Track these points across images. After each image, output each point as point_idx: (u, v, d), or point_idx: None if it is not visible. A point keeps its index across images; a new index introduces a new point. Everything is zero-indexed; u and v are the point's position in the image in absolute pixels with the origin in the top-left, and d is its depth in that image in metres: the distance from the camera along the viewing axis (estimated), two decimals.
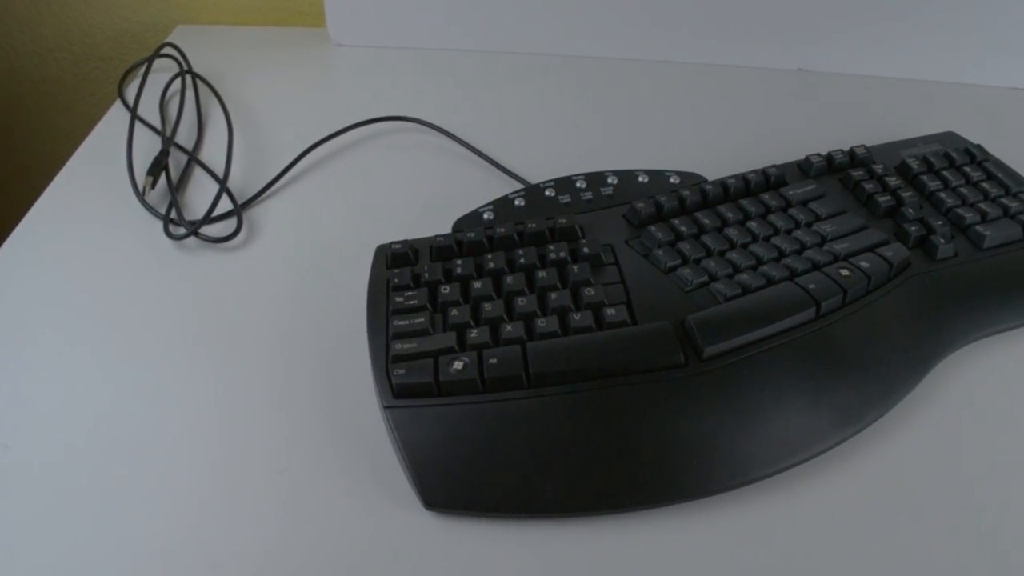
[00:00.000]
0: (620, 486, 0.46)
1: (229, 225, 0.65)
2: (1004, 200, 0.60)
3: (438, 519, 0.46)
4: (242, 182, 0.70)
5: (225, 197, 0.68)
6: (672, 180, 0.63)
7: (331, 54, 0.88)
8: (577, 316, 0.50)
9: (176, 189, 0.68)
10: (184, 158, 0.73)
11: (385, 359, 0.50)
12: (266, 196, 0.69)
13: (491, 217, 0.60)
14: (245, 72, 0.85)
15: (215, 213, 0.66)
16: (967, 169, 0.63)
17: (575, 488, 0.45)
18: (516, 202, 0.61)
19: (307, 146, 0.72)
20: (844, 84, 0.82)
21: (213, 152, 0.74)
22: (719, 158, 0.70)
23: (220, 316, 0.58)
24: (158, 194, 0.69)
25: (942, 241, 0.56)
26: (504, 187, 0.66)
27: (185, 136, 0.76)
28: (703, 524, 0.45)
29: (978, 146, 0.66)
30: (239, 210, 0.66)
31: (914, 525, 0.45)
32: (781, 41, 0.83)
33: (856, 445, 0.49)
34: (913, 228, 0.57)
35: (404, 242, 0.57)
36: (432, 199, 0.68)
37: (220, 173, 0.70)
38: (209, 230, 0.65)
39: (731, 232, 0.56)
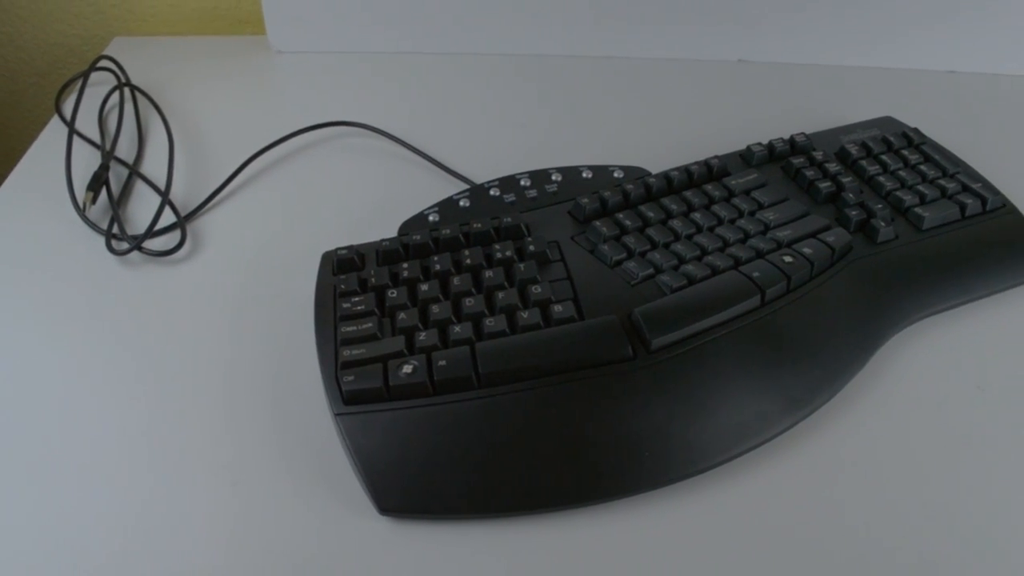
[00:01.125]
0: (575, 482, 0.46)
1: (173, 238, 0.64)
2: (941, 182, 0.61)
3: (393, 524, 0.45)
4: (185, 194, 0.69)
5: (168, 210, 0.67)
6: (616, 175, 0.63)
7: (272, 61, 0.88)
8: (525, 314, 0.50)
9: (117, 204, 0.67)
10: (125, 172, 0.71)
11: (334, 366, 0.49)
12: (209, 207, 0.68)
13: (436, 219, 0.60)
14: (185, 82, 0.84)
15: (158, 226, 0.65)
16: (905, 152, 0.64)
17: (530, 486, 0.45)
18: (461, 203, 0.61)
19: (250, 155, 0.72)
20: (784, 73, 0.83)
21: (154, 165, 0.73)
22: (662, 151, 0.70)
23: (166, 330, 0.57)
24: (99, 209, 0.68)
25: (882, 224, 0.57)
26: (449, 188, 0.66)
27: (125, 150, 0.75)
28: (658, 514, 0.45)
29: (915, 129, 0.67)
30: (182, 222, 0.65)
31: (866, 505, 0.46)
32: (721, 33, 0.84)
33: (806, 429, 0.49)
34: (854, 212, 0.58)
35: (350, 247, 0.57)
36: (377, 203, 0.67)
37: (162, 186, 0.69)
38: (152, 244, 0.64)
39: (675, 224, 0.57)
